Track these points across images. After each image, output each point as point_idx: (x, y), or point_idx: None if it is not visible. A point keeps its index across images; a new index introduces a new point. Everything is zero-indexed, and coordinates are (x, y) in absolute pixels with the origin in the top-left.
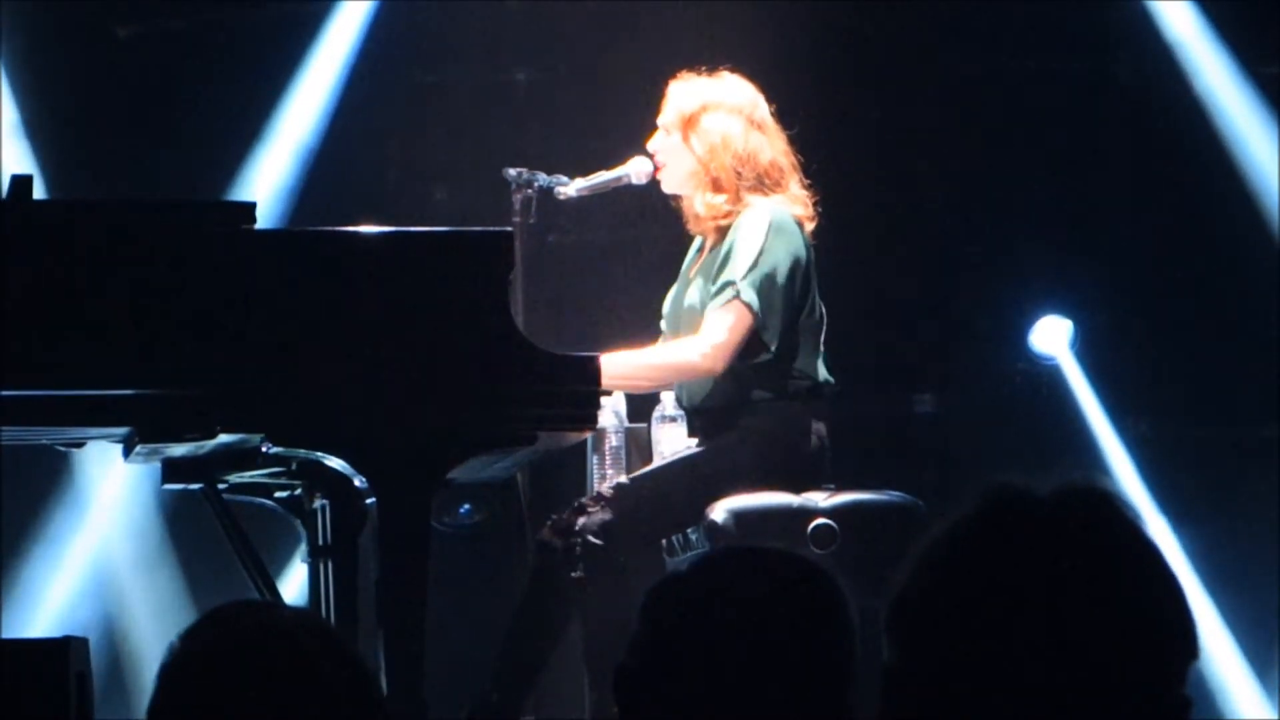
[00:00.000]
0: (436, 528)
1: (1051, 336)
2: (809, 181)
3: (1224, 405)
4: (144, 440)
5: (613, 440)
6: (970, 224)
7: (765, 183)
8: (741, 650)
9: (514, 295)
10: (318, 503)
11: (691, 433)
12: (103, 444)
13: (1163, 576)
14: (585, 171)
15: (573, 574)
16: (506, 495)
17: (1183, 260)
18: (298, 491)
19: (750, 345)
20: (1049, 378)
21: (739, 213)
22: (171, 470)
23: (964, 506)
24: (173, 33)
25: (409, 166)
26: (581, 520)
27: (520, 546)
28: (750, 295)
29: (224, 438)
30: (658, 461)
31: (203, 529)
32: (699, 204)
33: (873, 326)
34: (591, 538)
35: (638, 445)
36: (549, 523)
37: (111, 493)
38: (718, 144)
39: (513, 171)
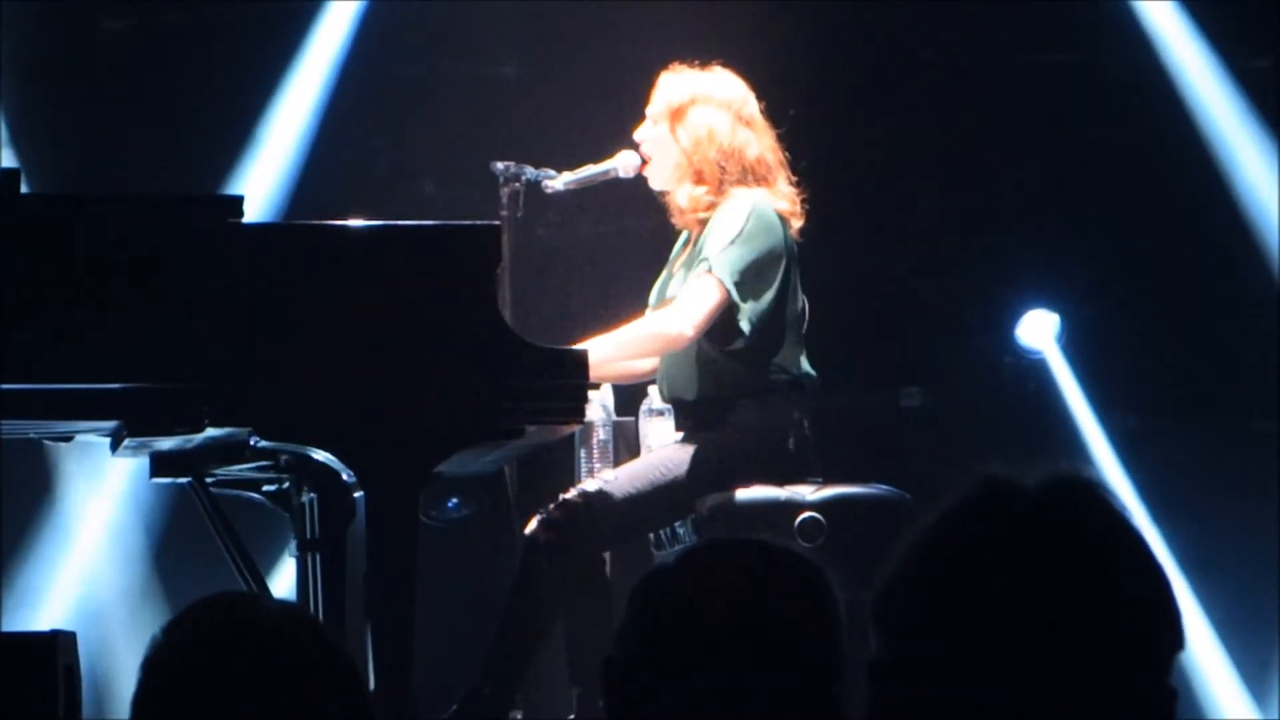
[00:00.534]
0: (424, 521)
1: (1038, 330)
2: (796, 179)
3: (1210, 399)
4: (132, 434)
5: (600, 434)
6: (957, 219)
7: (750, 177)
8: (728, 643)
9: (502, 289)
10: (305, 496)
11: (678, 427)
12: (90, 437)
13: (1149, 567)
14: (573, 165)
15: (549, 566)
16: (494, 489)
17: (1169, 255)
18: (286, 485)
19: (724, 326)
20: (1036, 371)
21: (721, 204)
22: (159, 464)
23: (951, 498)
24: (162, 27)
25: (397, 161)
26: (566, 515)
27: (508, 540)
28: (722, 270)
29: (212, 431)
30: (645, 455)
31: (191, 522)
32: (682, 196)
33: (860, 320)
34: (574, 532)
35: (625, 439)
36: (536, 517)
37: (99, 487)
38: (703, 138)
39: (500, 165)
